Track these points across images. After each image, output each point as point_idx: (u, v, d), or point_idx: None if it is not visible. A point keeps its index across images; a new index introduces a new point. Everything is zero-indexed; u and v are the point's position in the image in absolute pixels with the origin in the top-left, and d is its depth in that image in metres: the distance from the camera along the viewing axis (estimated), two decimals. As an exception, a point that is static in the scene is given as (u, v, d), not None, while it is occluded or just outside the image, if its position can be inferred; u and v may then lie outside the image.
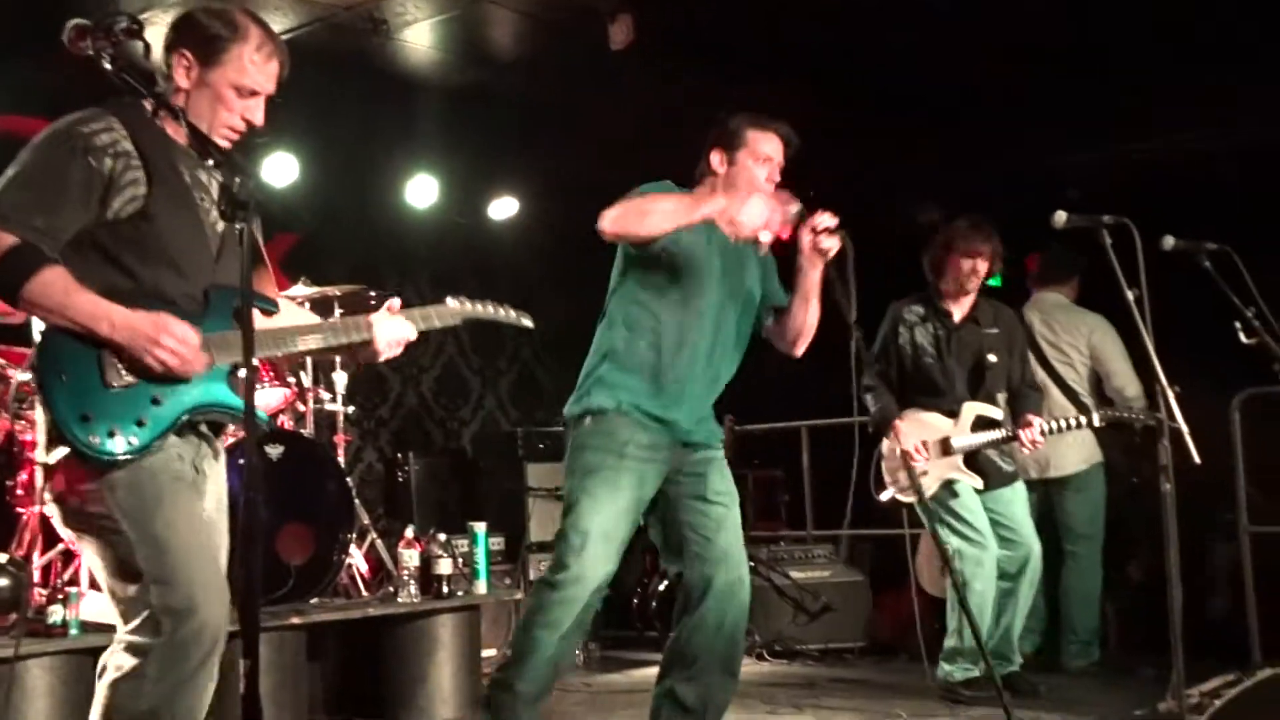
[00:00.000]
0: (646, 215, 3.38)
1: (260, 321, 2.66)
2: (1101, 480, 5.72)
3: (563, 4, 5.67)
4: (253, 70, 2.62)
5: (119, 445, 2.45)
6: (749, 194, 3.37)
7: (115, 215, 2.49)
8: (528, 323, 3.37)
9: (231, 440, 4.90)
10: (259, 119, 2.65)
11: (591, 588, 3.47)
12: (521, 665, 3.49)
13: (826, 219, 3.40)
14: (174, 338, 2.47)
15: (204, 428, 2.65)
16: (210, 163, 2.62)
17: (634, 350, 3.58)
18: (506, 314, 3.28)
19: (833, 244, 3.41)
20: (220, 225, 2.64)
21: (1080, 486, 5.68)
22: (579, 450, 3.59)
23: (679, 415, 3.55)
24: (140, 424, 2.48)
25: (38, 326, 2.55)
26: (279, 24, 5.58)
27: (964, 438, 4.95)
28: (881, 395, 5.00)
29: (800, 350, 3.72)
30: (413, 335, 2.91)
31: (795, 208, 3.43)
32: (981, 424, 4.98)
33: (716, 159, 3.67)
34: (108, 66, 2.43)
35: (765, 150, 3.63)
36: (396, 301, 2.93)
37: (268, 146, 6.29)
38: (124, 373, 2.48)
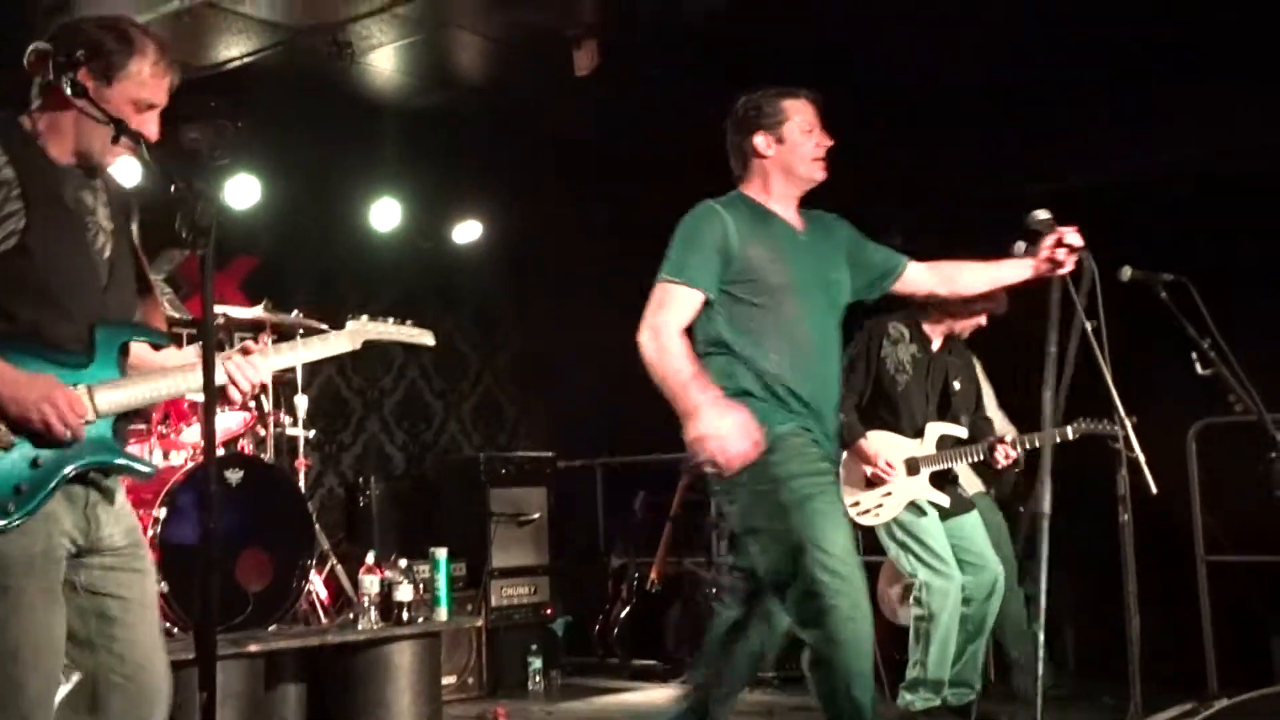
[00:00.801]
0: (658, 371, 3.25)
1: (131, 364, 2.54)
2: (989, 508, 5.63)
3: (528, 29, 5.68)
4: (152, 84, 2.48)
5: None
6: (722, 419, 3.11)
7: None
8: (429, 341, 3.14)
9: (191, 465, 4.90)
10: (154, 133, 2.50)
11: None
12: None
13: (1074, 237, 3.42)
14: (63, 403, 2.32)
15: (92, 474, 2.44)
16: (98, 180, 2.52)
17: (759, 374, 3.31)
18: (407, 332, 3.05)
19: (1069, 261, 3.43)
20: (108, 252, 2.48)
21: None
22: (775, 485, 3.21)
23: (819, 428, 3.33)
24: (19, 491, 2.29)
25: None
26: (242, 46, 5.57)
27: (931, 456, 4.97)
28: (850, 411, 4.99)
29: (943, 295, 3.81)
30: (265, 377, 2.69)
31: (1044, 214, 3.48)
32: (946, 444, 5.01)
33: (763, 142, 3.47)
34: (67, 91, 2.40)
35: (808, 119, 3.49)
36: (253, 344, 2.72)
37: (229, 168, 6.25)
38: (2, 434, 2.29)
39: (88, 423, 2.39)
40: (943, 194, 6.89)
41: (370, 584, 5.13)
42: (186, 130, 5.81)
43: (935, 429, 5.02)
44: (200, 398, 2.39)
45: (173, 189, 2.20)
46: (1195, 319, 4.00)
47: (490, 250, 7.75)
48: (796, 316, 3.36)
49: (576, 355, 8.27)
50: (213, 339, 2.21)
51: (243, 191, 6.43)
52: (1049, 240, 3.46)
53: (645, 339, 3.28)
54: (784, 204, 3.51)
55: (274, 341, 3.55)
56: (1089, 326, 3.71)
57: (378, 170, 7.06)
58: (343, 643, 5.00)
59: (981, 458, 4.98)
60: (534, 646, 6.53)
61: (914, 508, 4.95)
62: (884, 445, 4.97)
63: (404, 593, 5.20)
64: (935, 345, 5.12)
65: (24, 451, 2.32)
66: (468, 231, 7.62)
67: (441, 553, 5.53)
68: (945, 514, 5.00)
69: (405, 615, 5.18)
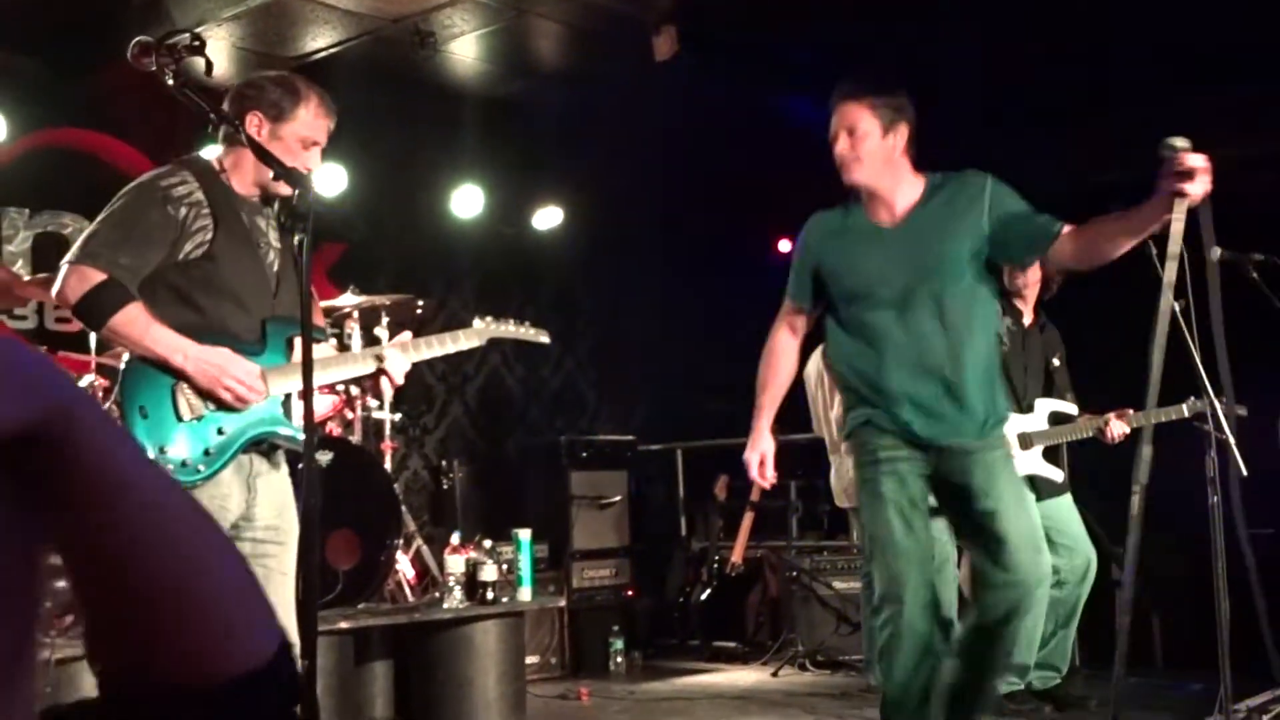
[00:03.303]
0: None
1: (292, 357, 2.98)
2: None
3: (607, 16, 5.72)
4: (315, 125, 3.00)
5: (189, 474, 2.75)
6: (751, 450, 3.76)
7: (186, 257, 2.84)
8: (545, 339, 3.63)
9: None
10: (316, 165, 3.04)
11: (902, 593, 3.37)
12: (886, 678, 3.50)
13: (1198, 159, 2.93)
14: (240, 371, 2.81)
15: (262, 446, 2.93)
16: (269, 208, 3.04)
17: (846, 368, 3.57)
18: (526, 332, 3.55)
19: (1196, 189, 2.94)
20: (276, 265, 3.00)
21: None
22: (855, 470, 3.65)
23: (908, 417, 3.42)
24: (208, 454, 2.80)
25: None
26: (328, 37, 5.67)
27: (1044, 432, 4.93)
28: None
29: (1085, 268, 3.45)
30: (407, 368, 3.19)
31: (1179, 142, 2.99)
32: (1056, 419, 4.97)
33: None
34: (170, 82, 2.50)
35: (833, 125, 3.53)
36: (408, 335, 3.24)
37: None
38: (194, 405, 2.80)
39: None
40: (1025, 180, 6.80)
41: (455, 564, 5.21)
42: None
43: (1045, 405, 4.99)
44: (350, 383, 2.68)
45: (272, 176, 2.29)
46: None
47: (571, 236, 7.81)
48: (882, 310, 3.44)
49: (657, 340, 8.31)
50: (311, 320, 2.30)
51: (329, 179, 6.55)
52: (1170, 167, 2.97)
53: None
54: (878, 198, 3.52)
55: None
56: (1178, 307, 3.67)
57: (460, 158, 7.15)
58: (429, 621, 5.09)
59: (1093, 434, 4.93)
60: (615, 627, 6.59)
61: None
62: None
63: (488, 573, 5.27)
64: (1027, 320, 5.09)
65: (212, 420, 2.83)
66: (549, 218, 7.68)
67: (525, 534, 5.60)
68: (1040, 495, 4.96)
69: (489, 595, 5.26)
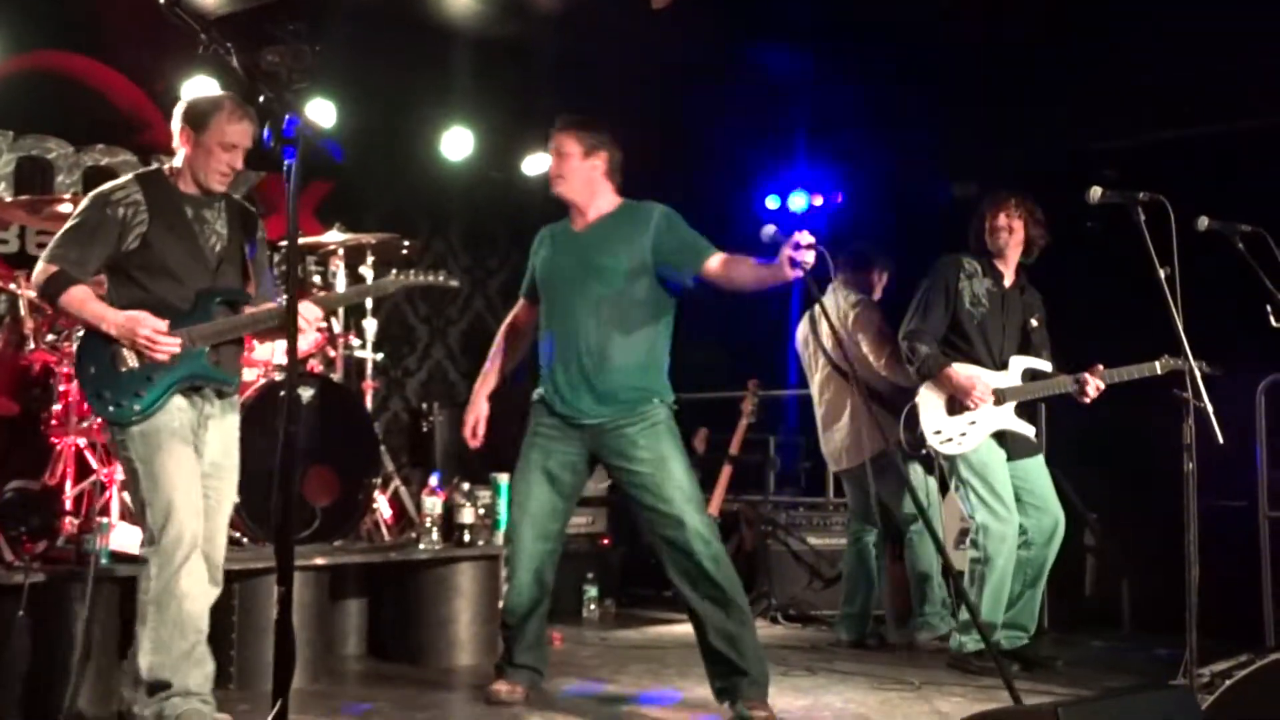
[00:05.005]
0: None
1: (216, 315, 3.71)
2: (892, 462, 5.42)
3: (605, -39, 5.66)
4: (232, 129, 3.64)
5: (126, 412, 3.58)
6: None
7: (128, 247, 3.62)
8: (454, 284, 4.27)
9: (263, 381, 5.01)
10: (239, 165, 3.72)
11: (519, 537, 4.24)
12: None
13: (804, 237, 3.62)
14: (148, 329, 3.55)
15: (207, 390, 3.69)
16: (218, 202, 3.75)
17: (540, 349, 4.24)
18: (437, 278, 4.12)
19: (808, 259, 3.63)
20: (219, 249, 3.74)
21: (876, 473, 5.54)
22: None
23: (567, 395, 4.13)
24: (138, 395, 3.59)
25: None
26: (323, -30, 5.59)
27: (1018, 388, 4.97)
28: (930, 343, 4.99)
29: (729, 290, 4.03)
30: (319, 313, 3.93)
31: (771, 229, 3.78)
32: (1030, 376, 5.01)
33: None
34: (160, 1, 2.47)
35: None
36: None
37: (307, 92, 6.30)
38: (129, 360, 3.59)
39: (187, 351, 3.61)
40: (1018, 149, 6.80)
41: (433, 505, 5.22)
42: (266, 53, 5.87)
43: (1019, 362, 5.03)
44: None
45: (260, 99, 2.28)
46: (1272, 271, 3.95)
47: (560, 183, 7.75)
48: (559, 303, 4.16)
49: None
50: (296, 243, 2.29)
51: (319, 116, 6.49)
52: (786, 247, 3.65)
53: None
54: (576, 209, 4.22)
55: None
56: (1162, 274, 3.69)
57: (451, 99, 7.09)
58: (405, 561, 5.11)
59: (1068, 390, 4.96)
60: (590, 575, 6.62)
61: (994, 438, 4.93)
62: (972, 374, 4.94)
63: (465, 515, 5.29)
64: (1008, 281, 5.11)
65: (145, 370, 3.60)
66: (538, 163, 7.64)
67: (503, 477, 5.59)
68: (1012, 455, 4.99)
69: (466, 537, 5.28)
